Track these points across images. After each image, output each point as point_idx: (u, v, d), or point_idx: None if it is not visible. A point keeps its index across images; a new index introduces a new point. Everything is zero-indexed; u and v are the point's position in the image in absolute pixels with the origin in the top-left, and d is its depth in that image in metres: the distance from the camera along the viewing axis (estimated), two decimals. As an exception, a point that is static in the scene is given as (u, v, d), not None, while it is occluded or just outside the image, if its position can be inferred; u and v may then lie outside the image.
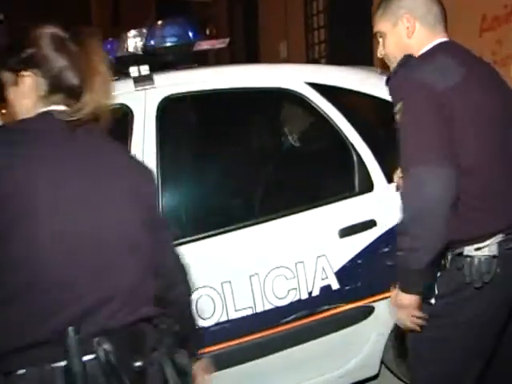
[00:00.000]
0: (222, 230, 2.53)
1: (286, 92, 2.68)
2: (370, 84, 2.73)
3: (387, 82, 2.03)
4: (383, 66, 2.36)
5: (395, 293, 1.96)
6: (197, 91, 2.62)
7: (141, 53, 2.74)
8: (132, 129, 2.49)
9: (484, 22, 4.50)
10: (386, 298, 2.41)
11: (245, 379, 2.55)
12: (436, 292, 2.01)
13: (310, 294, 2.54)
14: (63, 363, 1.30)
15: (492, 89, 2.01)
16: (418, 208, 1.82)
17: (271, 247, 2.54)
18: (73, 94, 1.43)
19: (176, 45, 2.70)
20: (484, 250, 1.94)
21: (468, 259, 1.95)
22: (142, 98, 2.53)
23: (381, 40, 2.16)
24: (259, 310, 2.49)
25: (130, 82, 2.57)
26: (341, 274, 2.54)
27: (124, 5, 15.79)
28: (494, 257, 1.94)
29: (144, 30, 2.76)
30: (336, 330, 2.57)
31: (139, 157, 2.45)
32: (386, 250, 2.55)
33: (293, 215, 2.59)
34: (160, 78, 2.60)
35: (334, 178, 2.76)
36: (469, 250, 1.95)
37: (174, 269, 1.66)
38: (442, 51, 2.02)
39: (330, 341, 2.58)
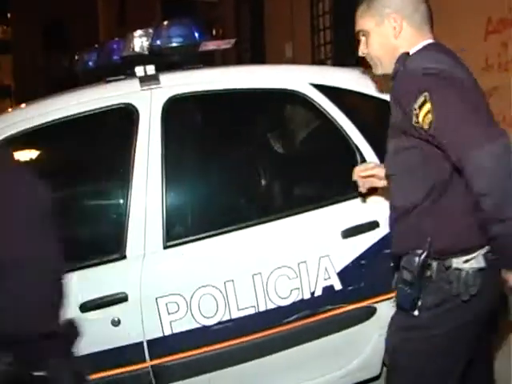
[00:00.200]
0: (225, 229, 2.54)
1: (291, 93, 2.70)
2: (376, 86, 2.74)
3: (394, 79, 1.97)
4: (366, 66, 2.27)
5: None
6: (202, 91, 2.64)
7: (147, 53, 2.76)
8: (137, 128, 2.51)
9: (489, 24, 4.49)
10: (388, 298, 2.42)
11: (246, 378, 2.57)
12: (420, 304, 1.96)
13: (313, 294, 2.54)
14: None
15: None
16: (508, 180, 1.70)
17: (274, 247, 2.56)
18: None
19: (182, 45, 2.71)
20: (472, 262, 1.90)
21: (456, 272, 1.91)
22: (148, 98, 2.55)
23: (363, 38, 2.06)
24: (262, 309, 2.50)
25: (136, 82, 2.59)
26: (343, 275, 2.55)
27: (130, 5, 15.82)
28: (480, 269, 1.91)
29: (150, 30, 2.78)
30: (338, 331, 2.58)
31: (144, 156, 2.49)
32: (389, 251, 2.55)
33: (296, 215, 2.60)
34: (166, 78, 2.62)
35: (338, 178, 2.76)
36: (457, 262, 1.91)
37: None
38: (435, 50, 1.96)
39: (332, 341, 2.59)
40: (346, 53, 6.58)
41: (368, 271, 2.58)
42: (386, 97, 2.55)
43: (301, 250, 2.55)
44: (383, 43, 2.01)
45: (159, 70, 2.67)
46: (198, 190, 2.74)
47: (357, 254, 2.58)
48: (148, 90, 2.57)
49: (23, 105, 2.78)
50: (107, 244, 2.57)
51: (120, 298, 2.39)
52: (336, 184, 2.75)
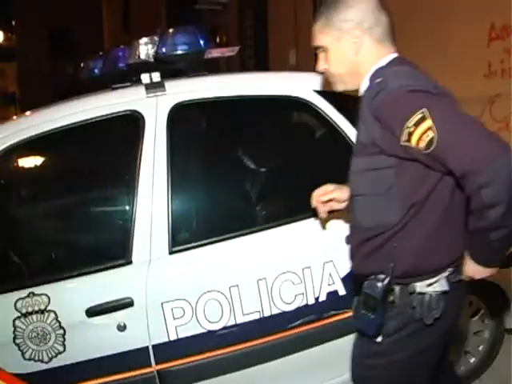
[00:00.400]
0: (231, 234, 2.56)
1: (295, 100, 2.72)
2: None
3: (374, 99, 1.79)
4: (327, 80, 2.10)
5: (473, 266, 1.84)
6: (207, 98, 2.66)
7: (152, 60, 2.78)
8: (143, 135, 2.53)
9: (492, 31, 4.51)
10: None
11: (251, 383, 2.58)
12: (383, 329, 1.93)
13: (317, 299, 2.56)
14: None
15: None
16: None
17: (279, 252, 2.57)
18: None
19: (187, 52, 2.74)
20: (435, 285, 1.87)
21: (419, 296, 1.88)
22: (154, 105, 2.58)
23: (322, 54, 1.94)
24: (266, 314, 2.51)
25: (142, 89, 2.61)
26: (348, 280, 2.56)
27: (134, 12, 15.91)
28: (444, 292, 1.88)
29: (156, 38, 2.80)
30: (342, 336, 2.59)
31: (150, 162, 2.51)
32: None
33: (301, 221, 2.61)
34: (171, 85, 2.64)
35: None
36: (421, 286, 1.87)
37: None
38: (402, 65, 1.84)
39: (336, 346, 2.59)
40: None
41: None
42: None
43: (305, 256, 2.56)
44: (343, 59, 1.90)
45: (165, 77, 2.70)
46: (204, 196, 2.76)
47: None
48: (154, 97, 2.59)
49: (28, 112, 2.80)
50: (113, 250, 2.58)
51: (126, 303, 2.40)
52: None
